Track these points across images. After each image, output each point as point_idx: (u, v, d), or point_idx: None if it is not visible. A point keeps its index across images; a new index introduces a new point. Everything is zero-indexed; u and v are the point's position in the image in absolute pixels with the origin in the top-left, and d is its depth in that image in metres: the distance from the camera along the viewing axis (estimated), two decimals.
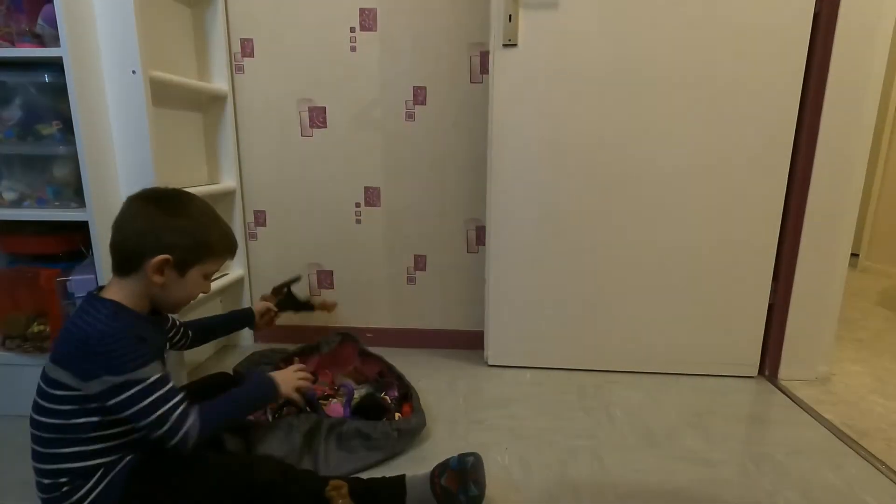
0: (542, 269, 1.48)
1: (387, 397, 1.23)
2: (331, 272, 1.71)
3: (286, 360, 1.33)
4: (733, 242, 1.41)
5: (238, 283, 1.68)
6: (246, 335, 1.72)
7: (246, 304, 1.69)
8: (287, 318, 1.71)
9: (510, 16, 1.32)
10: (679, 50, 1.32)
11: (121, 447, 0.81)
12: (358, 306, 1.72)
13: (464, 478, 0.89)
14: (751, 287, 1.44)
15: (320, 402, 1.18)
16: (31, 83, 1.15)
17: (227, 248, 0.93)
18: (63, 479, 0.79)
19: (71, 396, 0.77)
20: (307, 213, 1.66)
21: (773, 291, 1.45)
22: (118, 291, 0.83)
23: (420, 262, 1.68)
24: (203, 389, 1.03)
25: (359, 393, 1.26)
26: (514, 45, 1.34)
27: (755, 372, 1.50)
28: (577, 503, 0.97)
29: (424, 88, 1.56)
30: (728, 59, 1.32)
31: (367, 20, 1.52)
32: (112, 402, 0.76)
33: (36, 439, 0.80)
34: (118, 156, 1.20)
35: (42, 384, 0.79)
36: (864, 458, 1.11)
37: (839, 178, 1.35)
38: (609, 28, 1.32)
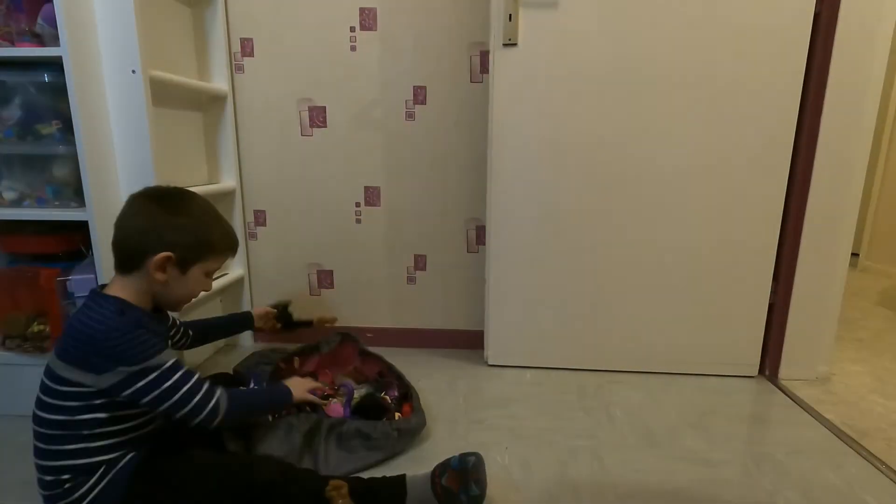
0: (543, 268, 1.48)
1: (387, 397, 1.23)
2: (331, 272, 1.71)
3: (286, 360, 1.33)
4: (733, 242, 1.41)
5: (238, 283, 1.67)
6: (246, 335, 1.72)
7: (246, 303, 1.70)
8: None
9: (510, 15, 1.32)
10: (679, 50, 1.32)
11: (124, 444, 0.82)
12: (358, 306, 1.72)
13: (465, 477, 0.88)
14: (751, 287, 1.44)
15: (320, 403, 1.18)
16: (31, 83, 1.15)
17: (228, 246, 0.94)
18: (66, 476, 0.79)
19: (78, 392, 0.78)
20: (307, 212, 1.66)
21: (774, 291, 1.45)
22: (122, 289, 0.84)
23: (420, 262, 1.68)
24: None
25: (359, 393, 1.26)
26: (515, 44, 1.34)
27: (755, 372, 1.50)
28: (577, 503, 0.97)
29: (424, 88, 1.55)
30: (728, 58, 1.31)
31: (367, 20, 1.52)
32: (128, 391, 0.77)
33: (39, 436, 0.80)
34: (118, 155, 1.20)
35: (47, 381, 0.79)
36: (865, 458, 1.11)
37: (839, 178, 1.35)
38: (609, 27, 1.32)
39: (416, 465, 1.05)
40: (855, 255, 2.89)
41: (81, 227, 1.16)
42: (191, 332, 1.11)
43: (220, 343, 1.68)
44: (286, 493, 0.84)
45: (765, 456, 1.12)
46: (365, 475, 0.97)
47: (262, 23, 1.54)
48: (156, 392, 0.79)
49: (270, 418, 1.10)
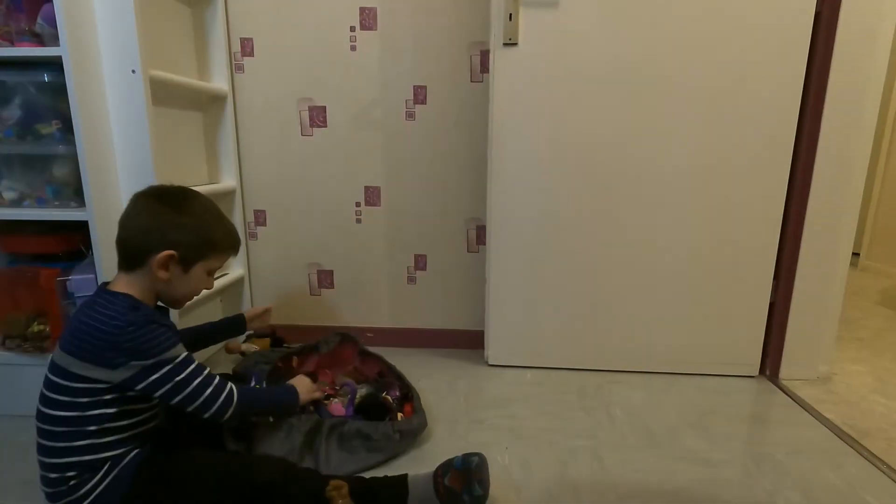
0: (543, 268, 1.48)
1: (388, 397, 1.23)
2: (331, 272, 1.71)
3: (285, 360, 1.33)
4: (734, 242, 1.41)
5: (238, 283, 1.67)
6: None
7: (246, 303, 1.69)
8: (286, 318, 1.72)
9: (510, 15, 1.32)
10: (679, 49, 1.32)
11: (129, 440, 0.83)
12: (358, 306, 1.72)
13: (468, 477, 0.88)
14: (752, 286, 1.44)
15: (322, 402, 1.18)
16: (31, 82, 1.15)
17: (230, 244, 0.94)
18: (71, 473, 0.79)
19: (91, 389, 0.78)
20: (307, 212, 1.66)
21: (774, 291, 1.45)
22: (127, 286, 0.84)
23: (420, 262, 1.68)
24: None
25: (360, 393, 1.26)
26: (515, 44, 1.34)
27: (756, 371, 1.50)
28: (577, 503, 0.97)
29: (425, 87, 1.55)
30: (728, 58, 1.31)
31: (368, 19, 1.52)
32: (142, 385, 0.79)
33: (44, 433, 0.80)
34: (118, 155, 1.20)
35: (54, 377, 0.79)
36: (865, 458, 1.11)
37: (840, 177, 1.35)
38: (609, 27, 1.32)
39: (416, 465, 1.05)
40: (855, 254, 2.89)
41: (81, 227, 1.16)
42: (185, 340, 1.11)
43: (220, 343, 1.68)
44: (286, 492, 0.84)
45: (765, 456, 1.12)
46: (366, 475, 0.96)
47: (262, 22, 1.54)
48: (169, 385, 0.80)
49: (271, 419, 1.10)
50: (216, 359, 1.59)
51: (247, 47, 1.56)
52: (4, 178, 1.22)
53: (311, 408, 1.12)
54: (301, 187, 1.64)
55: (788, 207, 1.39)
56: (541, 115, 1.38)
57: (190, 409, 0.83)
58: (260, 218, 1.68)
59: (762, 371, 1.50)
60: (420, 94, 1.56)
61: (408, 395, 1.25)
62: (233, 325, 1.23)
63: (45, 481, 0.81)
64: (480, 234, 1.62)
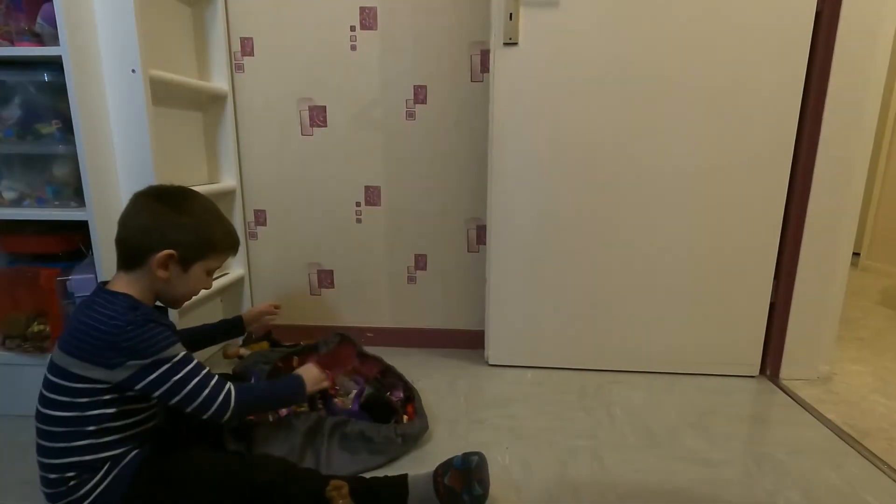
0: (543, 268, 1.47)
1: (392, 397, 1.23)
2: (331, 272, 1.71)
3: (285, 360, 1.33)
4: (734, 242, 1.41)
5: (238, 283, 1.67)
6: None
7: (246, 302, 1.69)
8: (286, 318, 1.72)
9: (511, 14, 1.32)
10: (680, 49, 1.32)
11: (128, 440, 0.83)
12: (358, 306, 1.72)
13: (468, 477, 0.88)
14: (752, 286, 1.44)
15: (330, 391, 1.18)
16: (31, 82, 1.15)
17: (230, 245, 0.94)
18: (71, 473, 0.79)
19: (90, 389, 0.78)
20: (307, 212, 1.66)
21: (775, 291, 1.45)
22: (126, 286, 0.84)
23: (420, 262, 1.68)
24: None
25: (366, 392, 1.25)
26: (515, 43, 1.34)
27: (756, 371, 1.49)
28: (577, 503, 0.97)
29: (425, 87, 1.55)
30: (729, 58, 1.31)
31: (368, 19, 1.52)
32: (141, 384, 0.79)
33: (43, 434, 0.80)
34: (118, 155, 1.20)
35: (54, 378, 0.79)
36: (866, 458, 1.11)
37: (840, 177, 1.34)
38: (609, 27, 1.32)
39: (416, 465, 1.05)
40: (856, 254, 2.88)
41: (81, 227, 1.16)
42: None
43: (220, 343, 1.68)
44: (286, 492, 0.84)
45: (765, 456, 1.12)
46: (366, 475, 0.96)
47: (262, 22, 1.54)
48: (167, 385, 0.80)
49: (271, 418, 1.10)
50: (216, 360, 1.59)
51: (247, 47, 1.56)
52: (4, 177, 1.21)
53: (320, 400, 1.11)
54: (301, 187, 1.64)
55: (789, 207, 1.39)
56: (541, 114, 1.38)
57: (188, 409, 0.82)
58: (260, 218, 1.68)
59: (762, 371, 1.50)
60: (420, 94, 1.56)
61: (410, 397, 1.24)
62: (231, 327, 1.21)
63: (45, 482, 0.81)
64: (481, 234, 1.62)
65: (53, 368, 0.80)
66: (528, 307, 1.51)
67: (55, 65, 1.08)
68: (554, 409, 1.31)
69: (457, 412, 1.29)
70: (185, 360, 0.82)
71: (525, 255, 1.47)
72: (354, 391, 1.22)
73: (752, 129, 1.34)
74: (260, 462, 0.89)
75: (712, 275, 1.44)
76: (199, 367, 0.84)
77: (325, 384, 1.05)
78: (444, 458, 0.93)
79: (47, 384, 0.80)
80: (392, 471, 0.97)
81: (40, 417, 0.80)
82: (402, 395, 1.25)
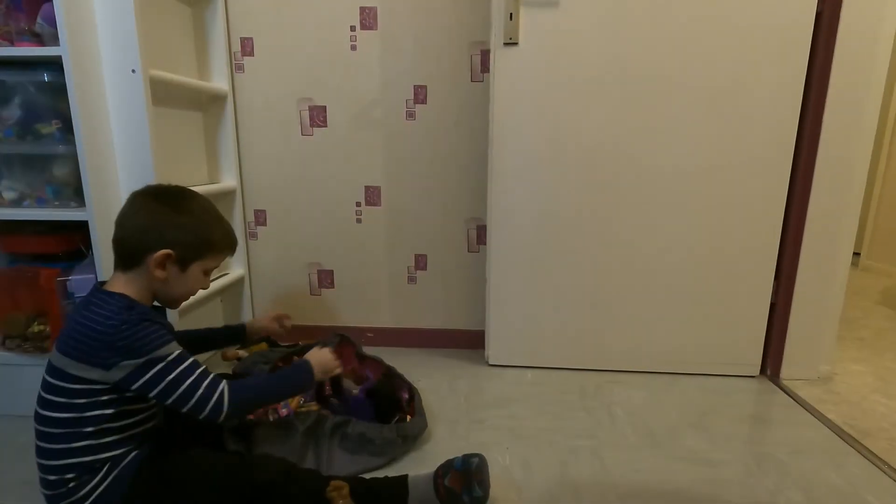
0: (543, 268, 1.47)
1: (402, 394, 1.22)
2: (331, 272, 1.71)
3: (285, 360, 1.33)
4: (735, 242, 1.41)
5: (238, 283, 1.67)
6: None
7: (246, 302, 1.69)
8: None
9: (511, 14, 1.31)
10: (680, 49, 1.32)
11: (128, 440, 0.82)
12: (358, 306, 1.72)
13: (468, 478, 0.88)
14: (752, 286, 1.44)
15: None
16: (31, 82, 1.15)
17: (227, 245, 0.94)
18: (70, 475, 0.79)
19: (88, 389, 0.78)
20: (308, 212, 1.66)
21: (775, 291, 1.45)
22: (124, 285, 0.84)
23: (421, 262, 1.68)
24: None
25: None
26: (515, 43, 1.34)
27: (757, 371, 1.49)
28: (578, 503, 0.97)
29: (425, 87, 1.55)
30: (729, 58, 1.31)
31: (368, 19, 1.52)
32: (137, 385, 0.78)
33: (42, 435, 0.80)
34: (118, 155, 1.20)
35: (51, 379, 0.79)
36: (867, 458, 1.11)
37: (841, 177, 1.34)
38: (610, 27, 1.32)
39: (416, 465, 1.05)
40: (856, 254, 2.88)
41: (81, 227, 1.16)
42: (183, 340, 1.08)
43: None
44: (286, 493, 0.84)
45: (766, 456, 1.11)
46: (366, 475, 0.96)
47: (262, 22, 1.54)
48: (161, 385, 0.78)
49: (271, 418, 1.10)
50: (215, 361, 1.59)
51: (247, 47, 1.56)
52: (4, 178, 1.21)
53: (329, 390, 1.09)
54: (301, 187, 1.64)
55: (789, 207, 1.39)
56: (541, 114, 1.38)
57: (184, 410, 0.81)
58: (260, 218, 1.68)
59: (763, 371, 1.50)
60: (420, 94, 1.56)
61: (412, 397, 1.24)
62: (233, 335, 1.19)
63: (45, 483, 0.80)
64: (481, 234, 1.62)
65: (51, 369, 0.79)
66: (529, 307, 1.51)
67: (55, 65, 1.08)
68: (554, 409, 1.30)
69: (457, 412, 1.29)
70: (179, 360, 0.80)
71: (525, 255, 1.47)
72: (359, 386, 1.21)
73: (752, 129, 1.34)
74: (260, 462, 0.88)
75: (713, 275, 1.44)
76: (194, 366, 0.82)
77: (338, 371, 1.01)
78: (445, 459, 0.93)
79: (45, 385, 0.80)
80: (392, 471, 0.97)
81: (39, 419, 0.80)
82: (406, 396, 1.25)
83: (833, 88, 1.30)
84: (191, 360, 0.82)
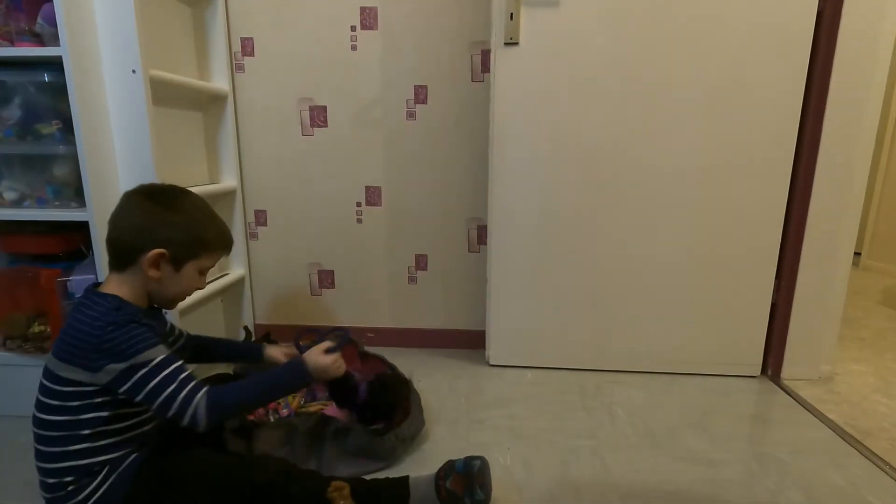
0: (544, 268, 1.47)
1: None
2: (332, 272, 1.70)
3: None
4: (736, 241, 1.41)
5: (239, 283, 1.67)
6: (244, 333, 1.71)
7: (246, 302, 1.69)
8: (287, 319, 1.73)
9: (511, 14, 1.31)
10: (681, 49, 1.31)
11: (127, 443, 0.82)
12: (359, 306, 1.72)
13: (470, 481, 0.88)
14: (753, 286, 1.44)
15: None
16: (31, 82, 1.15)
17: (222, 243, 0.92)
18: (69, 478, 0.78)
19: (80, 392, 0.77)
20: (308, 212, 1.66)
21: (776, 291, 1.44)
22: (117, 286, 0.83)
23: (421, 262, 1.68)
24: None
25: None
26: (516, 43, 1.34)
27: (758, 371, 1.49)
28: (578, 503, 0.96)
29: (425, 87, 1.55)
30: (730, 57, 1.31)
31: (368, 19, 1.52)
32: (123, 389, 0.76)
33: (40, 438, 0.79)
34: (118, 155, 1.19)
35: (47, 382, 0.79)
36: (868, 458, 1.11)
37: (842, 177, 1.34)
38: (610, 27, 1.31)
39: (416, 465, 1.05)
40: (857, 253, 2.88)
41: (81, 227, 1.16)
42: (192, 344, 1.05)
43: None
44: (287, 493, 0.84)
45: (767, 456, 1.11)
46: (367, 476, 0.96)
47: (262, 22, 1.54)
48: (145, 391, 0.76)
49: (272, 419, 1.10)
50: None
51: (247, 47, 1.56)
52: (5, 178, 1.21)
53: (327, 391, 1.07)
54: (302, 187, 1.64)
55: (790, 207, 1.39)
56: (542, 114, 1.38)
57: (168, 416, 0.78)
58: (260, 218, 1.68)
59: (764, 371, 1.50)
60: (421, 94, 1.56)
61: (408, 395, 1.24)
62: (250, 352, 1.11)
63: (44, 487, 0.80)
64: (481, 234, 1.62)
65: (46, 372, 0.79)
66: (529, 307, 1.50)
67: (55, 65, 1.08)
68: (554, 409, 1.30)
69: (457, 412, 1.29)
70: (162, 365, 0.77)
71: (526, 255, 1.47)
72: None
73: (753, 128, 1.34)
74: (260, 462, 0.88)
75: (713, 274, 1.43)
76: (176, 373, 0.78)
77: (338, 372, 0.93)
78: (445, 459, 0.93)
79: (41, 388, 0.79)
80: (393, 472, 0.97)
81: (36, 422, 0.80)
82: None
83: (834, 87, 1.30)
84: (173, 366, 0.78)
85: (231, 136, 1.58)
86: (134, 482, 0.80)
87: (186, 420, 0.77)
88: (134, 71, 1.14)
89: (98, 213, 1.14)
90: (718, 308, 1.45)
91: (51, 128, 1.16)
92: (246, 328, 1.54)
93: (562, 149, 1.39)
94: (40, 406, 0.79)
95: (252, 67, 1.57)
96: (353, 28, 1.53)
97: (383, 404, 1.12)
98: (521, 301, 1.50)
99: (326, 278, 1.71)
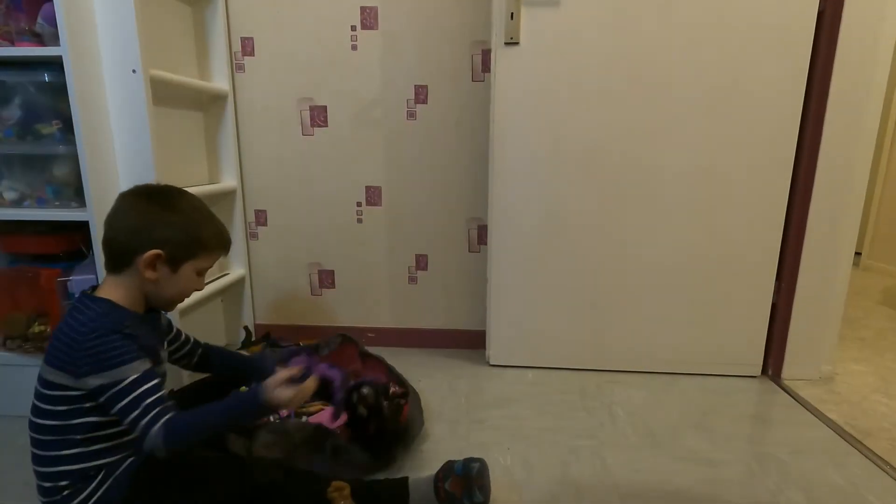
0: (544, 268, 1.47)
1: (396, 389, 1.21)
2: (332, 272, 1.70)
3: (284, 362, 1.32)
4: (736, 242, 1.41)
5: (239, 283, 1.67)
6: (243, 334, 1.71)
7: (247, 302, 1.69)
8: (287, 319, 1.72)
9: (512, 14, 1.31)
10: (682, 49, 1.31)
11: (123, 447, 0.81)
12: (359, 306, 1.72)
13: (468, 483, 0.88)
14: (754, 287, 1.44)
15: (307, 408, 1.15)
16: (31, 82, 1.15)
17: (219, 243, 0.90)
18: (64, 482, 0.78)
19: (67, 397, 0.76)
20: (308, 212, 1.66)
21: (776, 291, 1.44)
22: (113, 290, 0.82)
23: (421, 262, 1.68)
24: (201, 392, 1.03)
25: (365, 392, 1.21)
26: (516, 43, 1.34)
27: (758, 371, 1.49)
28: (579, 503, 0.97)
29: (426, 87, 1.55)
30: (731, 57, 1.31)
31: (368, 18, 1.52)
32: (100, 400, 0.75)
33: (35, 442, 0.79)
34: (118, 155, 1.19)
35: (38, 386, 0.79)
36: (868, 458, 1.11)
37: (842, 177, 1.34)
38: (611, 26, 1.31)
39: (416, 465, 1.05)
40: (857, 253, 2.88)
41: (82, 227, 1.15)
42: (199, 351, 1.02)
43: (220, 343, 1.68)
44: (287, 493, 0.84)
45: (767, 456, 1.11)
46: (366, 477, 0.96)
47: (262, 22, 1.54)
48: (116, 408, 0.74)
49: (272, 419, 1.10)
50: None
51: (247, 47, 1.56)
52: (5, 178, 1.21)
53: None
54: (302, 187, 1.64)
55: (791, 207, 1.39)
56: (542, 114, 1.38)
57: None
58: (261, 218, 1.68)
59: (764, 371, 1.50)
60: (421, 94, 1.55)
61: (406, 398, 1.23)
62: (260, 371, 1.03)
63: (41, 490, 0.80)
64: (482, 234, 1.62)
65: (39, 377, 0.79)
66: (529, 307, 1.50)
67: (55, 65, 1.08)
68: (555, 410, 1.30)
69: (458, 412, 1.29)
70: (133, 385, 0.74)
71: (526, 254, 1.47)
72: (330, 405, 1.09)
73: (753, 129, 1.34)
74: (260, 463, 0.88)
75: (714, 275, 1.43)
76: (143, 396, 0.74)
77: (295, 403, 0.84)
78: (445, 459, 0.93)
79: (35, 392, 0.79)
80: (393, 472, 0.97)
81: (32, 426, 0.79)
82: (397, 389, 1.21)
83: (835, 88, 1.30)
84: (142, 389, 0.75)
85: (231, 135, 1.58)
86: (131, 486, 0.79)
87: (147, 446, 0.75)
88: (134, 71, 1.14)
89: (98, 213, 1.14)
90: (719, 308, 1.45)
91: (51, 128, 1.16)
92: (246, 328, 1.55)
93: (562, 148, 1.39)
94: (35, 410, 0.79)
95: (252, 67, 1.57)
96: (353, 28, 1.53)
97: (371, 426, 1.07)
98: (522, 301, 1.50)
99: (326, 278, 1.71)
